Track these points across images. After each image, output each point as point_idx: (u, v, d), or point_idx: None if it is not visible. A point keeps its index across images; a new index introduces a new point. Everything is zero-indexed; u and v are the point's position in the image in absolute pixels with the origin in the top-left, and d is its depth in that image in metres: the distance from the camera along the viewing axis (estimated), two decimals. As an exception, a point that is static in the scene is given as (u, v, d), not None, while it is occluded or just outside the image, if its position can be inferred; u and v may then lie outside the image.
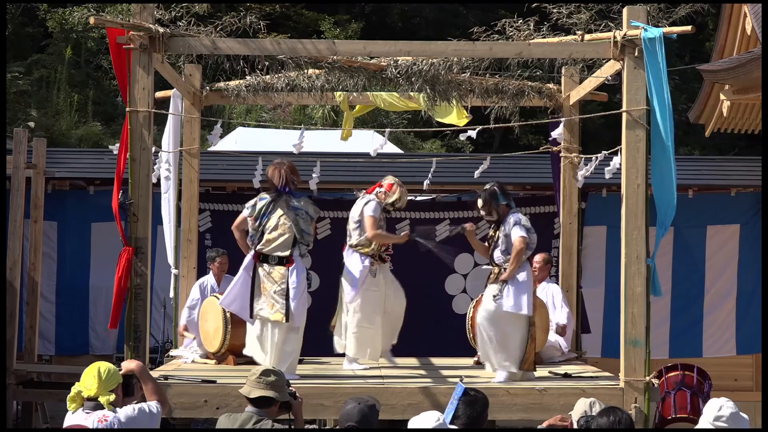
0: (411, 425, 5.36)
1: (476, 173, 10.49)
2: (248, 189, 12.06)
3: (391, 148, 14.20)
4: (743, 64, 11.58)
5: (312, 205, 8.70)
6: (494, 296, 8.44)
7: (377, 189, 9.36)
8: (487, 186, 8.72)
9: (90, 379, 5.76)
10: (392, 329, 9.60)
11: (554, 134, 10.11)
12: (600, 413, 5.64)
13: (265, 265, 8.52)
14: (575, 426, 5.94)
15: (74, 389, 5.80)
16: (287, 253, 8.48)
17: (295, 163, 10.40)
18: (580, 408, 6.04)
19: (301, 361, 9.83)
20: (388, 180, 9.41)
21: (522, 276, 8.41)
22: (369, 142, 14.13)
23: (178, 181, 10.25)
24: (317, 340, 11.41)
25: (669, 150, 7.86)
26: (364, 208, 9.24)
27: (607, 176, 9.49)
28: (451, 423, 5.44)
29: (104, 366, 5.83)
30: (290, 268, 8.47)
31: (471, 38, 8.52)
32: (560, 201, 10.49)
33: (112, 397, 5.74)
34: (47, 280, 12.33)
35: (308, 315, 12.29)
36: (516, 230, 8.42)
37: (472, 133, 9.74)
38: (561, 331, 9.94)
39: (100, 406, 5.70)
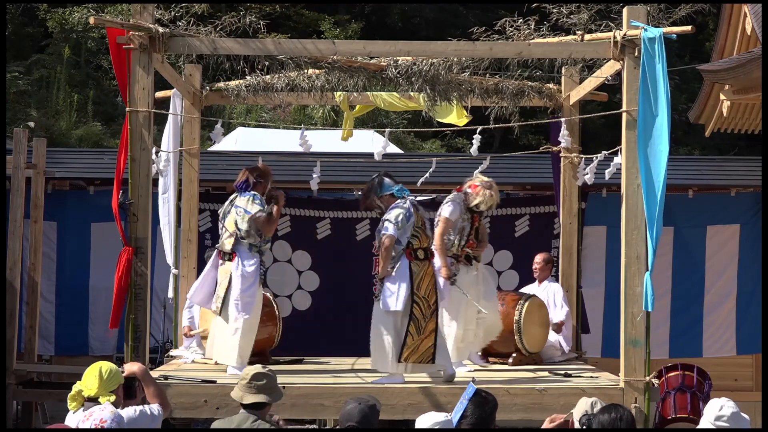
0: (418, 424, 5.34)
1: (475, 173, 10.47)
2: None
3: (391, 148, 14.17)
4: (743, 64, 11.58)
5: (254, 202, 8.70)
6: (374, 296, 8.32)
7: (465, 189, 9.08)
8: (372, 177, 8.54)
9: (91, 379, 5.76)
10: (483, 333, 9.24)
11: (561, 139, 9.95)
12: (601, 410, 5.64)
13: (223, 262, 8.84)
14: (576, 425, 5.94)
15: (75, 388, 5.79)
16: (229, 248, 8.72)
17: (295, 163, 10.43)
18: (581, 407, 6.04)
19: (300, 361, 9.85)
20: (474, 180, 9.12)
21: (397, 272, 8.23)
22: (369, 142, 14.13)
23: (178, 181, 10.25)
24: (317, 340, 11.45)
25: (662, 153, 7.79)
26: (442, 207, 9.06)
27: (607, 177, 9.47)
28: (459, 423, 5.44)
29: (105, 366, 5.82)
30: (233, 262, 8.66)
31: (471, 38, 8.52)
32: (560, 201, 10.49)
33: (113, 397, 5.74)
34: (47, 280, 12.32)
35: (308, 315, 12.33)
36: (384, 226, 8.23)
37: (476, 139, 9.67)
38: (557, 328, 9.93)
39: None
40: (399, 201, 8.33)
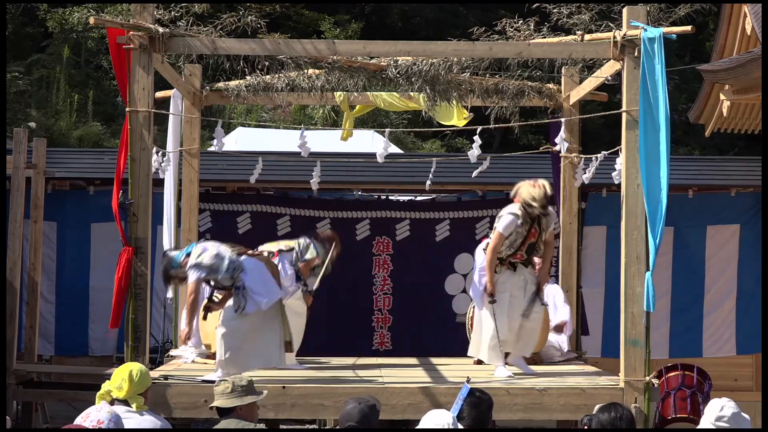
0: (423, 423, 5.33)
1: (474, 173, 10.46)
2: (248, 189, 12.08)
3: (391, 148, 14.20)
4: (743, 64, 11.58)
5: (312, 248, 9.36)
6: (236, 310, 8.16)
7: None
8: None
9: (121, 380, 5.84)
10: (522, 340, 9.01)
11: (558, 141, 9.91)
12: (600, 409, 5.64)
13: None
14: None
15: (104, 387, 5.89)
16: (275, 249, 9.19)
17: (295, 163, 10.45)
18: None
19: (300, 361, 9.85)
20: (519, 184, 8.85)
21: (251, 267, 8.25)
22: (369, 142, 14.14)
23: (178, 181, 10.25)
24: (317, 339, 11.43)
25: (662, 153, 7.78)
26: (501, 218, 8.80)
27: (616, 181, 9.40)
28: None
29: (136, 368, 5.94)
30: (274, 260, 8.97)
31: (471, 38, 8.51)
32: (560, 201, 10.48)
33: (141, 400, 5.83)
34: (47, 280, 12.32)
35: (307, 315, 12.32)
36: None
37: (477, 142, 9.60)
38: (558, 329, 9.91)
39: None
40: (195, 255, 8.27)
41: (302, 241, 9.36)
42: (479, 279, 8.91)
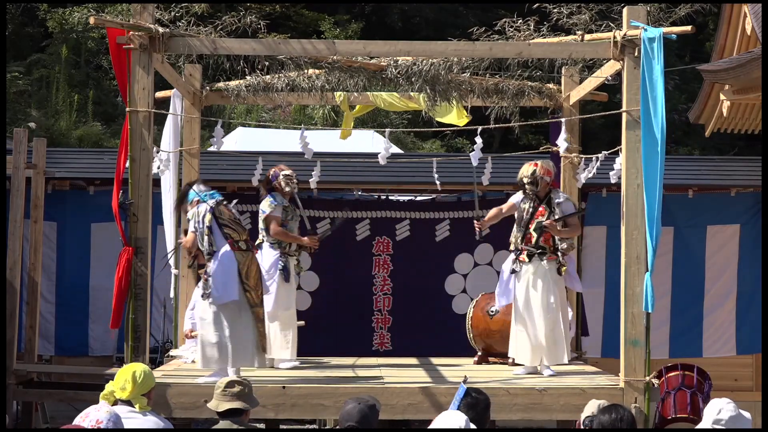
0: (435, 424, 5.32)
1: (485, 180, 10.44)
2: (248, 189, 12.07)
3: (392, 149, 14.22)
4: (743, 64, 11.58)
5: (267, 199, 9.41)
6: (202, 295, 8.24)
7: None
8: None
9: (125, 381, 5.86)
10: (550, 344, 8.87)
11: (559, 142, 9.91)
12: (601, 411, 5.64)
13: None
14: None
15: (108, 388, 5.92)
16: (256, 243, 9.28)
17: (295, 163, 10.46)
18: (589, 410, 6.05)
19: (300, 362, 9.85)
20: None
21: (223, 260, 8.24)
22: (369, 142, 14.14)
23: (178, 181, 10.25)
24: (317, 340, 11.44)
25: (659, 153, 7.77)
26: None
27: (613, 180, 9.42)
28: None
29: (140, 369, 5.97)
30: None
31: (471, 38, 8.52)
32: (560, 201, 10.45)
33: (145, 401, 5.85)
34: (47, 280, 12.31)
35: (307, 315, 12.39)
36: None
37: (479, 144, 9.56)
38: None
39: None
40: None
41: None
42: (506, 280, 9.06)
